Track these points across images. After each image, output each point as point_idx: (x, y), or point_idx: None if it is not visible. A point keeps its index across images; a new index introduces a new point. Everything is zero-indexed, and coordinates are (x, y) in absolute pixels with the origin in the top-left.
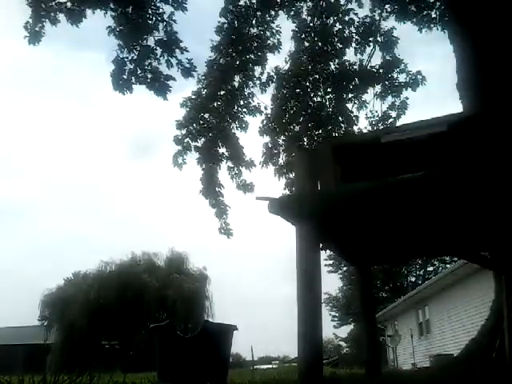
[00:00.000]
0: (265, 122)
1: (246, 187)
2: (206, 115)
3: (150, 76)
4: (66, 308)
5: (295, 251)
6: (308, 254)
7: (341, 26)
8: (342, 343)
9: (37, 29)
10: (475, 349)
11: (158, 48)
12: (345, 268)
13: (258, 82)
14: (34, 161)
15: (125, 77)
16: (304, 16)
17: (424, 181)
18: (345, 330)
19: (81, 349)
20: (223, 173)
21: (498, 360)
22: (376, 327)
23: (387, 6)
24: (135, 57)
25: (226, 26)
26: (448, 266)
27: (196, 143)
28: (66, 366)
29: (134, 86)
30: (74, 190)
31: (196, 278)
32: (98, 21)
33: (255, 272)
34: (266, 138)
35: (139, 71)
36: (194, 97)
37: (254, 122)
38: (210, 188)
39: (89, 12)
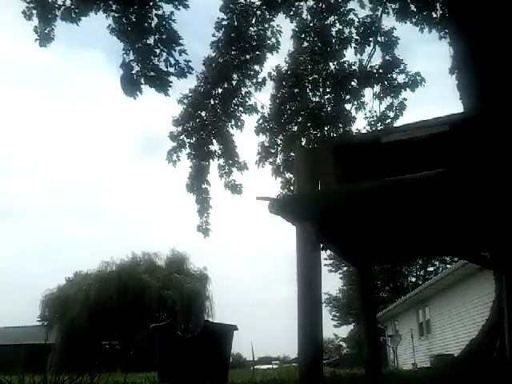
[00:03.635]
0: (261, 121)
1: (234, 187)
2: (203, 113)
3: (151, 74)
4: (67, 308)
5: (295, 251)
6: (308, 253)
7: (341, 26)
8: (342, 343)
9: (46, 31)
10: (476, 349)
11: (157, 46)
12: (345, 268)
13: (254, 80)
14: (35, 161)
15: (133, 79)
16: (303, 16)
17: (424, 181)
18: (345, 330)
19: (81, 349)
20: (213, 171)
21: (498, 360)
22: (376, 327)
23: (388, 6)
24: (138, 56)
25: (225, 23)
26: (448, 266)
27: (191, 140)
28: (66, 366)
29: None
30: (74, 191)
31: (196, 277)
32: (98, 21)
33: (255, 272)
34: (262, 137)
35: (144, 70)
36: (191, 94)
37: (250, 122)
38: (197, 184)
39: (91, 13)
